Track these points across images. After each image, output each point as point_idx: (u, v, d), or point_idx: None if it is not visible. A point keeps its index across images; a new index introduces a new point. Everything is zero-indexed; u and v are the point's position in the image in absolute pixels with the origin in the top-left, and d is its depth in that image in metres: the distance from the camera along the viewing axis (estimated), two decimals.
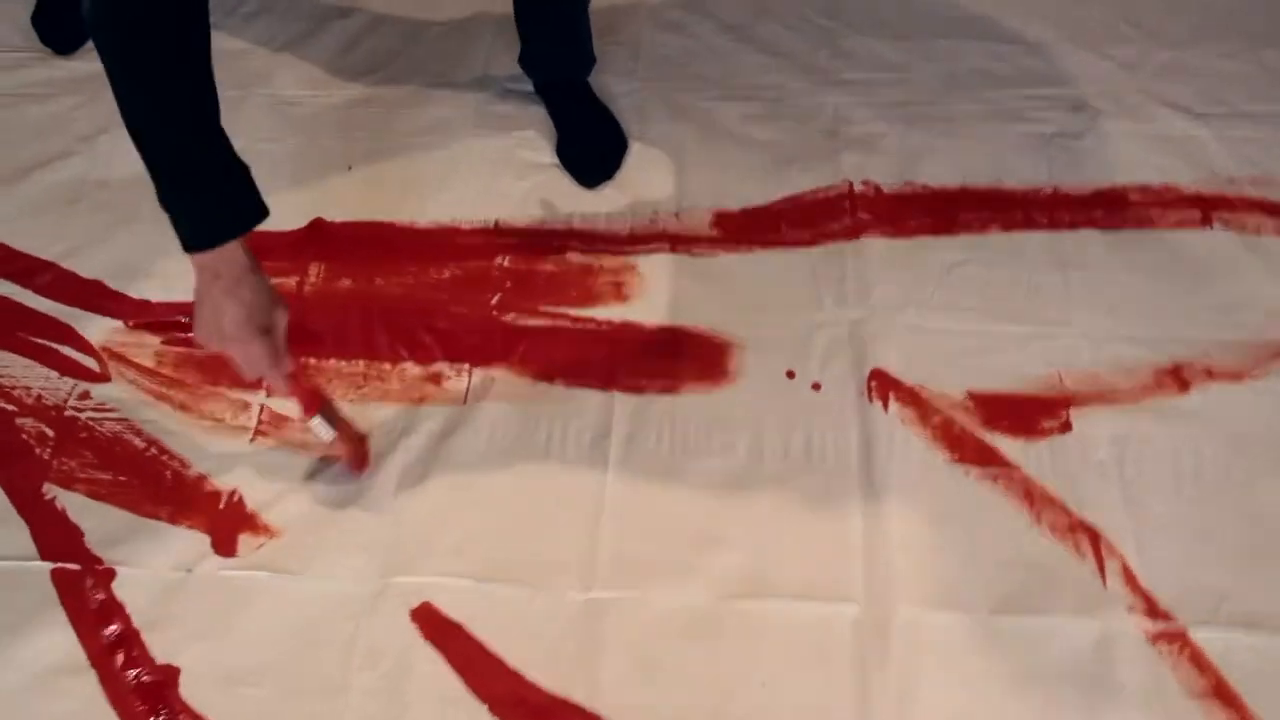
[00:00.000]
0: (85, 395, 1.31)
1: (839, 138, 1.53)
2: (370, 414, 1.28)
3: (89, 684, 1.10)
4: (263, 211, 0.96)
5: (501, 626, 1.13)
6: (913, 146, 1.52)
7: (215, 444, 1.26)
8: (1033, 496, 1.20)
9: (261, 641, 1.12)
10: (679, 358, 1.33)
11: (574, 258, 1.42)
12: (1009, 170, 1.48)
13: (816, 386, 1.30)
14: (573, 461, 1.24)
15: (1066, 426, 1.25)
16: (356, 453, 1.21)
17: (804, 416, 1.27)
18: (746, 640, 1.11)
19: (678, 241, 1.43)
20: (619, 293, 1.39)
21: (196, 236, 0.94)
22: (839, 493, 1.21)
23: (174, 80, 0.90)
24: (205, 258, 0.95)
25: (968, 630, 1.11)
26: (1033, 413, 1.27)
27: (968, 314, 1.35)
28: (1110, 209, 1.43)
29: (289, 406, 1.22)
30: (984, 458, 1.23)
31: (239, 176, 0.96)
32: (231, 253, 0.95)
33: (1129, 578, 1.14)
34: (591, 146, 1.52)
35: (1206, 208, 1.42)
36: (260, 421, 1.28)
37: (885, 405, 1.27)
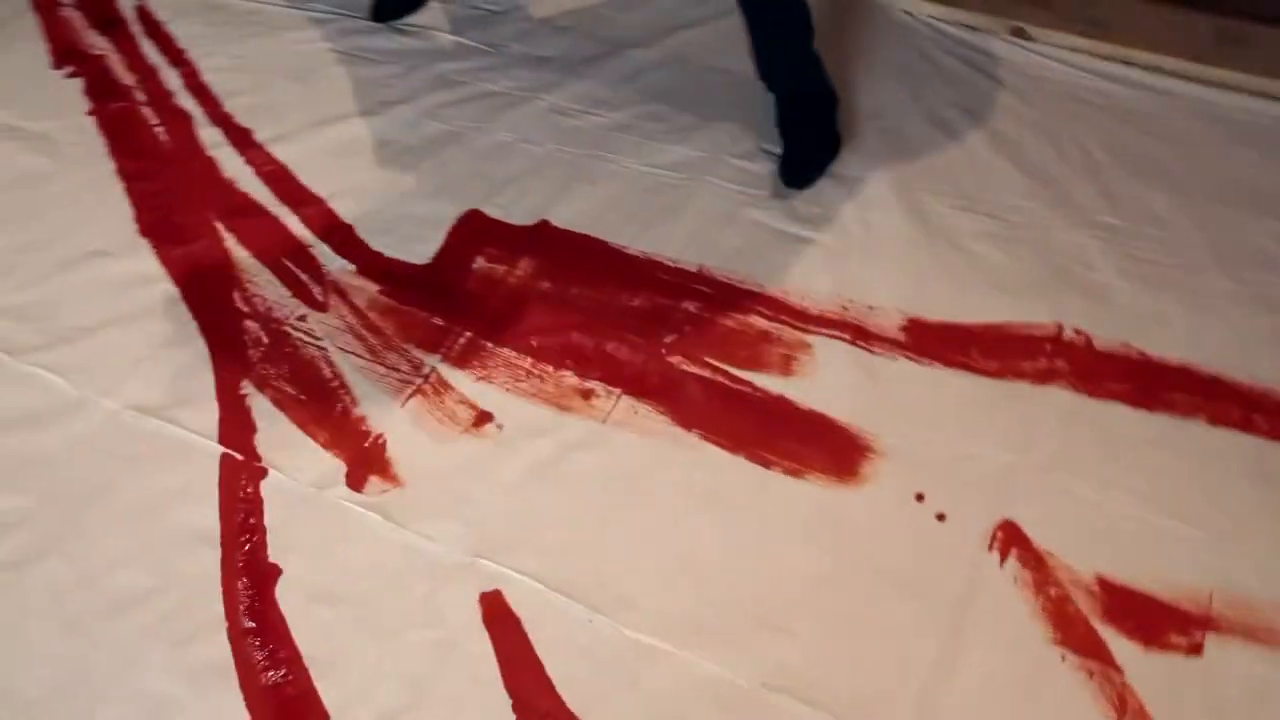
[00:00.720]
0: (303, 318, 1.53)
1: (1069, 278, 1.50)
2: (517, 405, 1.40)
3: (212, 557, 1.29)
4: None
5: (554, 636, 1.21)
6: (1145, 308, 1.46)
7: (382, 391, 1.43)
8: (1125, 708, 1.13)
9: (349, 573, 1.27)
10: (815, 443, 1.36)
11: (756, 321, 1.49)
12: (1246, 362, 1.39)
13: (941, 517, 1.29)
14: (678, 509, 1.30)
15: (1197, 649, 1.17)
16: None
17: (916, 541, 1.27)
18: None
19: (860, 335, 1.46)
20: (786, 366, 1.44)
21: None
22: (921, 628, 1.20)
23: None
24: None
25: None
26: (1164, 621, 1.19)
27: (1131, 495, 1.28)
28: None
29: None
30: (1089, 648, 1.18)
31: None
32: None
33: None
34: (800, 148, 1.66)
35: None
36: (425, 381, 1.44)
37: (1003, 559, 1.24)
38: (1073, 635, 1.19)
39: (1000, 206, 1.60)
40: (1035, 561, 1.24)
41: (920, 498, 1.30)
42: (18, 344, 1.50)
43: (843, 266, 1.54)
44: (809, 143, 1.67)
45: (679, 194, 1.65)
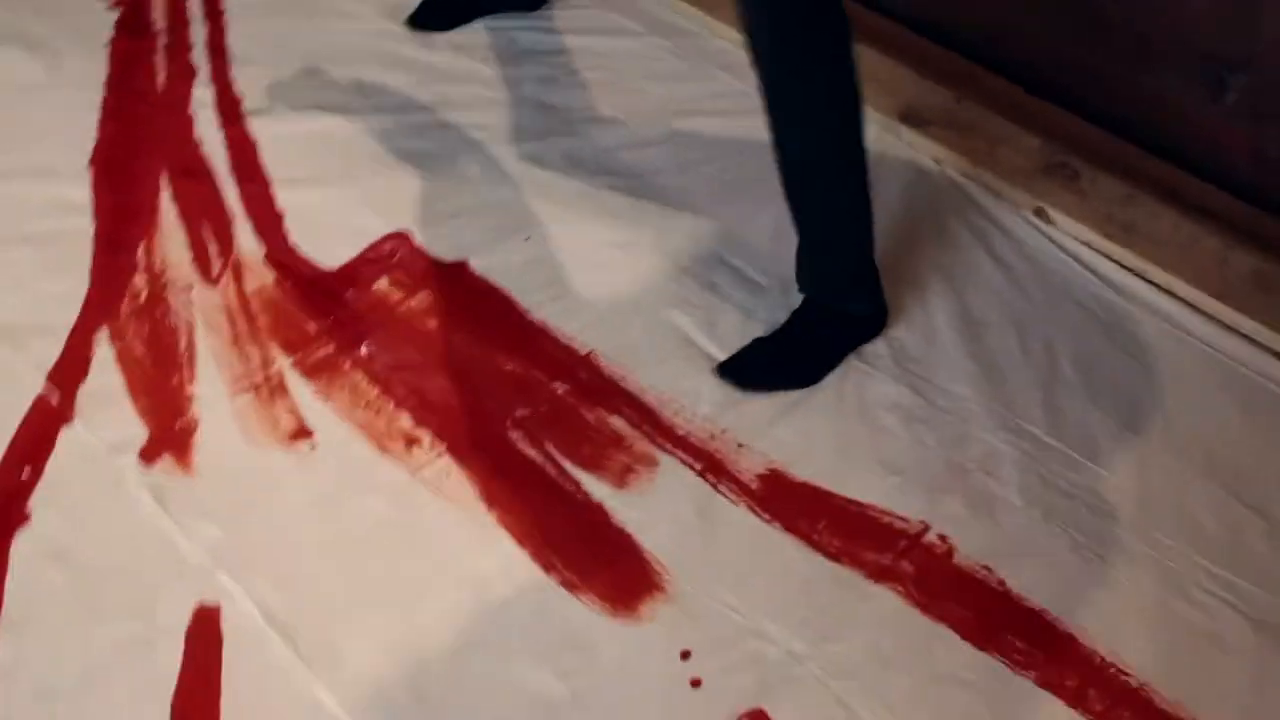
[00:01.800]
0: (189, 288, 1.57)
1: (963, 480, 1.41)
2: (340, 432, 1.40)
3: None
4: None
5: (247, 671, 1.19)
6: (1029, 540, 1.37)
7: (222, 379, 1.45)
8: None
9: (93, 543, 1.28)
10: (608, 564, 1.31)
11: (617, 423, 1.45)
12: (1110, 633, 1.27)
13: (696, 683, 1.22)
14: (437, 586, 1.28)
15: None
16: None
17: (661, 696, 1.20)
18: None
19: (714, 469, 1.40)
20: (622, 477, 1.40)
21: None
22: None
23: None
24: None
25: None
26: None
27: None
28: None
29: None
30: None
31: None
32: None
33: None
34: (768, 356, 1.52)
35: None
36: (265, 381, 1.45)
37: None
38: None
39: (931, 385, 1.52)
40: None
41: (686, 655, 1.23)
42: None
43: (731, 396, 1.48)
44: (796, 353, 1.52)
45: (609, 273, 1.64)
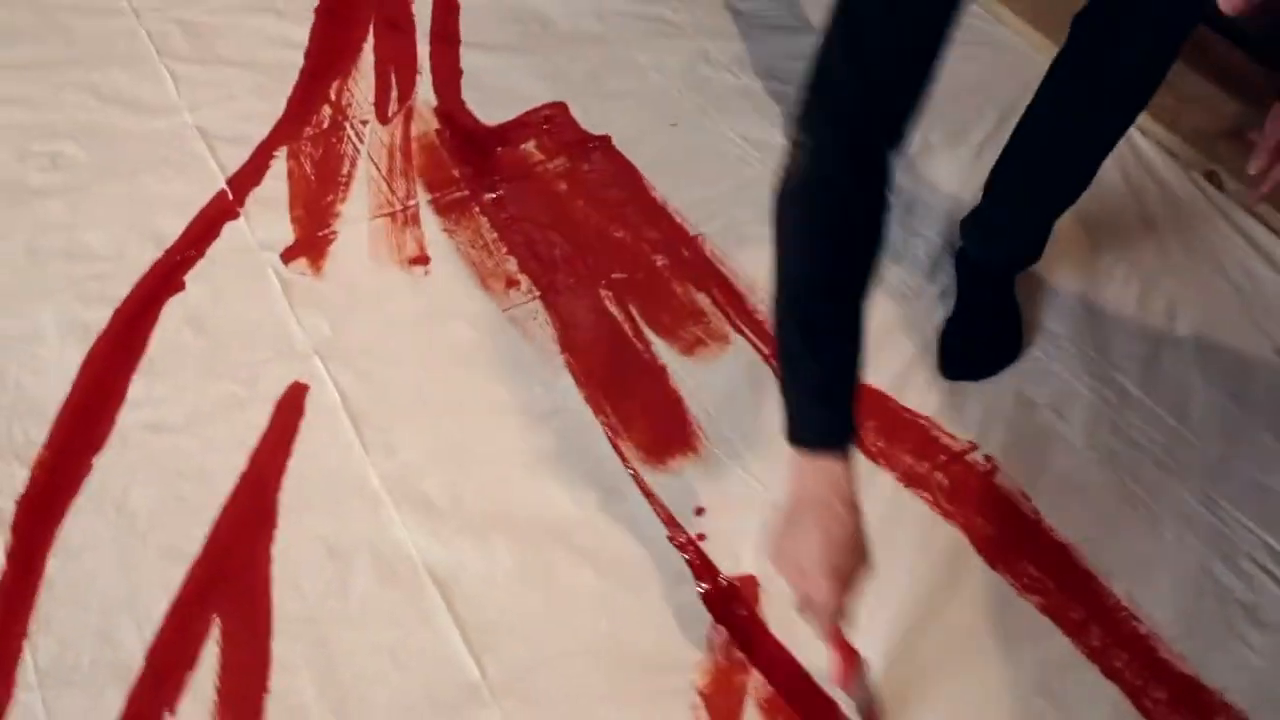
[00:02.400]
0: (365, 122, 1.79)
1: (1028, 413, 1.43)
2: (453, 264, 1.58)
3: (152, 253, 1.59)
4: (850, 435, 1.01)
5: (315, 447, 1.39)
6: (1076, 481, 1.37)
7: (367, 202, 1.66)
8: None
9: (228, 317, 1.52)
10: (655, 422, 1.42)
11: (702, 300, 1.56)
12: (1133, 586, 1.27)
13: (701, 537, 1.32)
14: (506, 411, 1.43)
15: None
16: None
17: (665, 539, 1.31)
18: None
19: None
20: (692, 348, 1.50)
21: (803, 431, 1.01)
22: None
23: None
24: (807, 469, 1.00)
25: None
26: None
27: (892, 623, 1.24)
28: None
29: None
30: None
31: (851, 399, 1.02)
32: (834, 471, 0.99)
33: None
34: (976, 339, 1.50)
35: None
36: (403, 210, 1.65)
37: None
38: None
39: (1027, 320, 1.53)
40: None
41: (700, 511, 1.34)
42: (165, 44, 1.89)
43: None
44: (997, 325, 1.50)
45: (739, 166, 1.73)
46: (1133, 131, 1.75)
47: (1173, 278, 1.59)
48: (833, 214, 0.99)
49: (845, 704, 1.16)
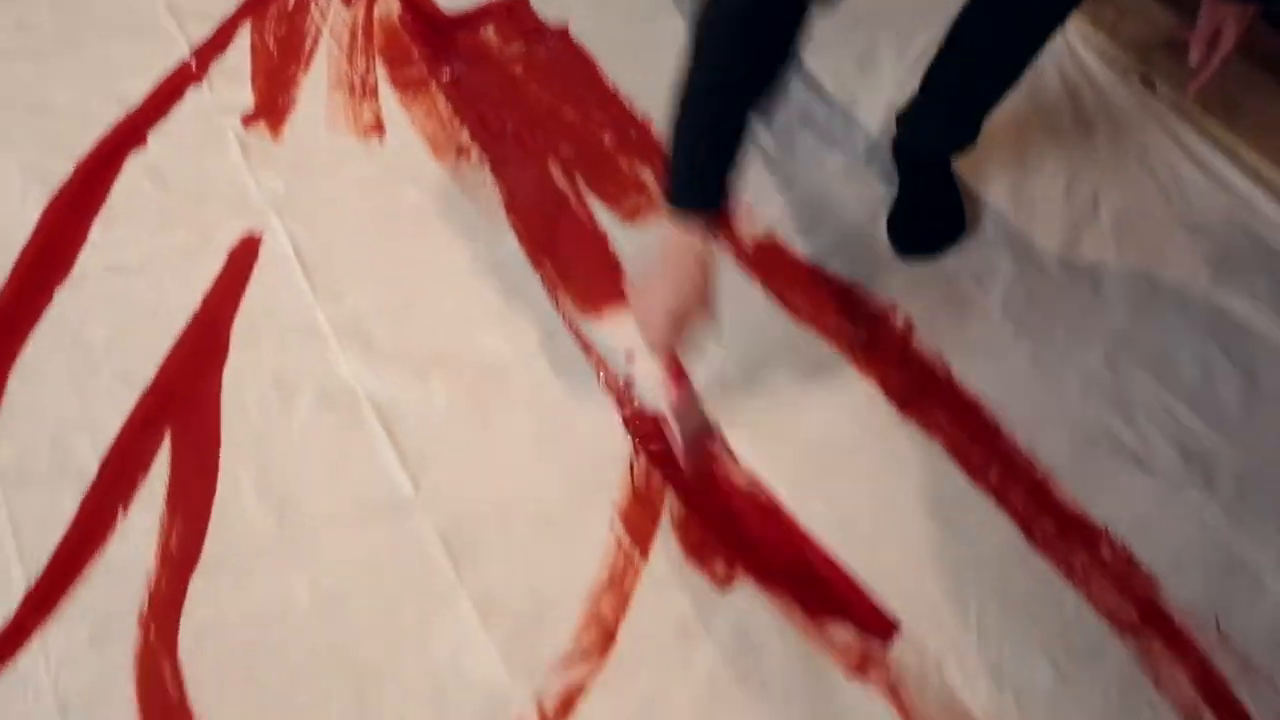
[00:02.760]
0: (329, 3, 1.87)
1: (953, 283, 1.52)
2: (407, 134, 1.67)
3: (116, 111, 1.68)
4: (721, 202, 1.20)
5: (266, 290, 1.48)
6: (988, 343, 1.47)
7: (326, 75, 1.75)
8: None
9: (184, 170, 1.61)
10: (592, 277, 1.51)
11: (645, 174, 1.64)
12: (1034, 437, 1.38)
13: (630, 378, 1.41)
14: (452, 269, 1.52)
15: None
16: (692, 455, 1.33)
17: (592, 377, 1.40)
18: None
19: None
20: (631, 215, 1.59)
21: (676, 196, 1.20)
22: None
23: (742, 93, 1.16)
24: (672, 232, 1.19)
25: None
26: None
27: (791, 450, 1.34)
28: None
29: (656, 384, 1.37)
30: None
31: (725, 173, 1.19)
32: (693, 236, 1.18)
33: None
34: (920, 220, 1.59)
35: None
36: (361, 82, 1.73)
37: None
38: None
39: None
40: None
41: (629, 357, 1.43)
42: None
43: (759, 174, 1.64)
44: (938, 205, 1.60)
45: None
46: (1073, 40, 1.85)
47: (1100, 172, 1.69)
48: (744, 30, 1.10)
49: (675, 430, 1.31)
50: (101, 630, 1.17)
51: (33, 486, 1.27)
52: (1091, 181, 1.67)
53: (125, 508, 1.26)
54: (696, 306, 1.21)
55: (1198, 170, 1.68)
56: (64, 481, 1.28)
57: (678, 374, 1.30)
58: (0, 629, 1.17)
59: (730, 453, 1.33)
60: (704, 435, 1.32)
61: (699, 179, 1.20)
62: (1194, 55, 1.38)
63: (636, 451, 1.34)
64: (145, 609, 1.19)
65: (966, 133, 1.56)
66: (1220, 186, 1.66)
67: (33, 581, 1.20)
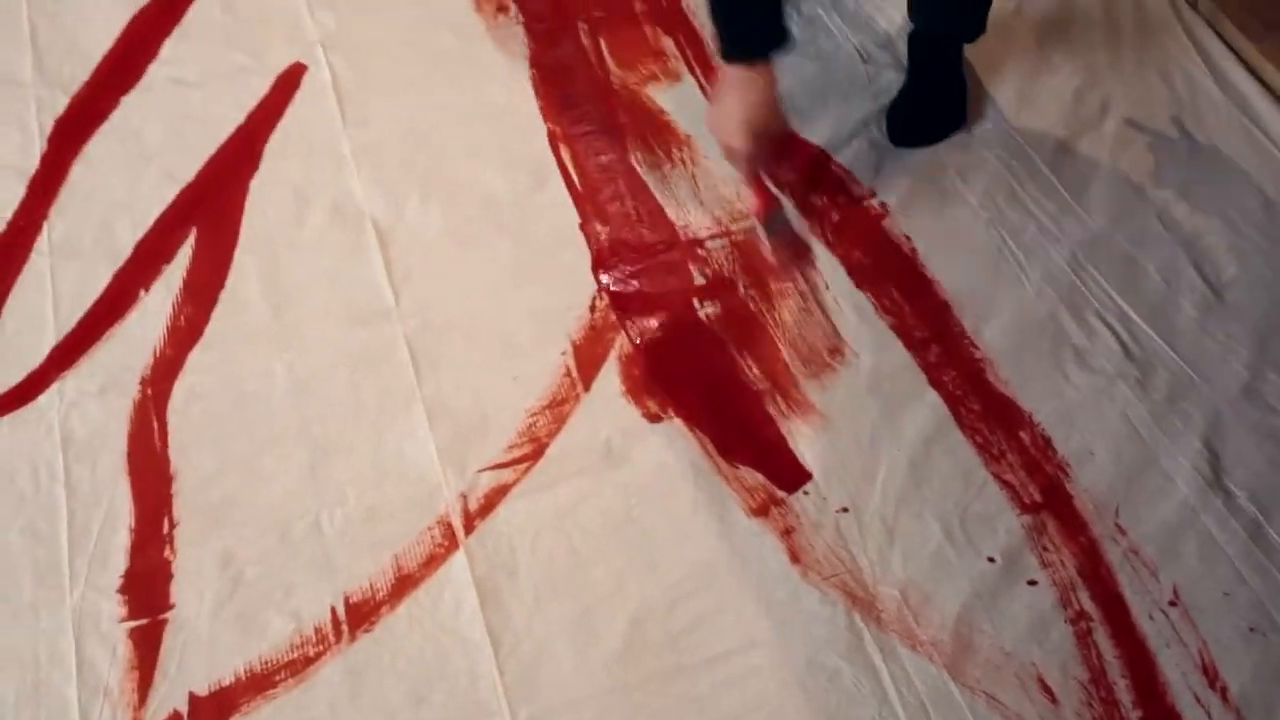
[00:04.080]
0: None
1: (939, 180, 1.52)
2: None
3: None
4: (785, 41, 1.27)
5: (304, 122, 1.57)
6: (953, 236, 1.46)
7: None
8: None
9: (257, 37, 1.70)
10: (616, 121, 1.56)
11: (667, 43, 1.66)
12: (977, 322, 1.38)
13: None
14: (470, 129, 1.59)
15: None
16: (782, 254, 1.44)
17: (559, 245, 1.46)
18: None
19: None
20: (645, 80, 1.62)
21: (729, 50, 1.27)
22: None
23: None
24: (732, 68, 1.27)
25: None
26: None
27: None
28: None
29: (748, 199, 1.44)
30: None
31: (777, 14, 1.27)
32: (754, 69, 1.26)
33: None
34: (921, 109, 1.58)
35: None
36: None
37: None
38: None
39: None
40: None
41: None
42: None
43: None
44: (941, 96, 1.58)
45: None
46: None
47: (1117, 79, 1.64)
48: None
49: (764, 237, 1.43)
50: (109, 384, 1.30)
51: (77, 258, 1.40)
52: (1105, 88, 1.63)
53: (147, 287, 1.38)
54: (769, 119, 1.29)
55: (1217, 87, 1.62)
56: (102, 257, 1.41)
57: (760, 186, 1.39)
58: (27, 374, 1.30)
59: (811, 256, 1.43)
60: (789, 240, 1.42)
61: (748, 31, 1.26)
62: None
63: (599, 293, 1.39)
64: (148, 372, 1.32)
65: (971, 20, 1.52)
66: (1236, 105, 1.60)
67: (60, 339, 1.34)
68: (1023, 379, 1.34)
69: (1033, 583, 1.20)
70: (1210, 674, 1.15)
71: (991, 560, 1.21)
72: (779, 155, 1.44)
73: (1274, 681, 1.14)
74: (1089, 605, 1.19)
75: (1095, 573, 1.21)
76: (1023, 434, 1.30)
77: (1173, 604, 1.19)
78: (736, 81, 1.27)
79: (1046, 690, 1.14)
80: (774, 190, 1.43)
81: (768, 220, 1.42)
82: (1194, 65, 1.65)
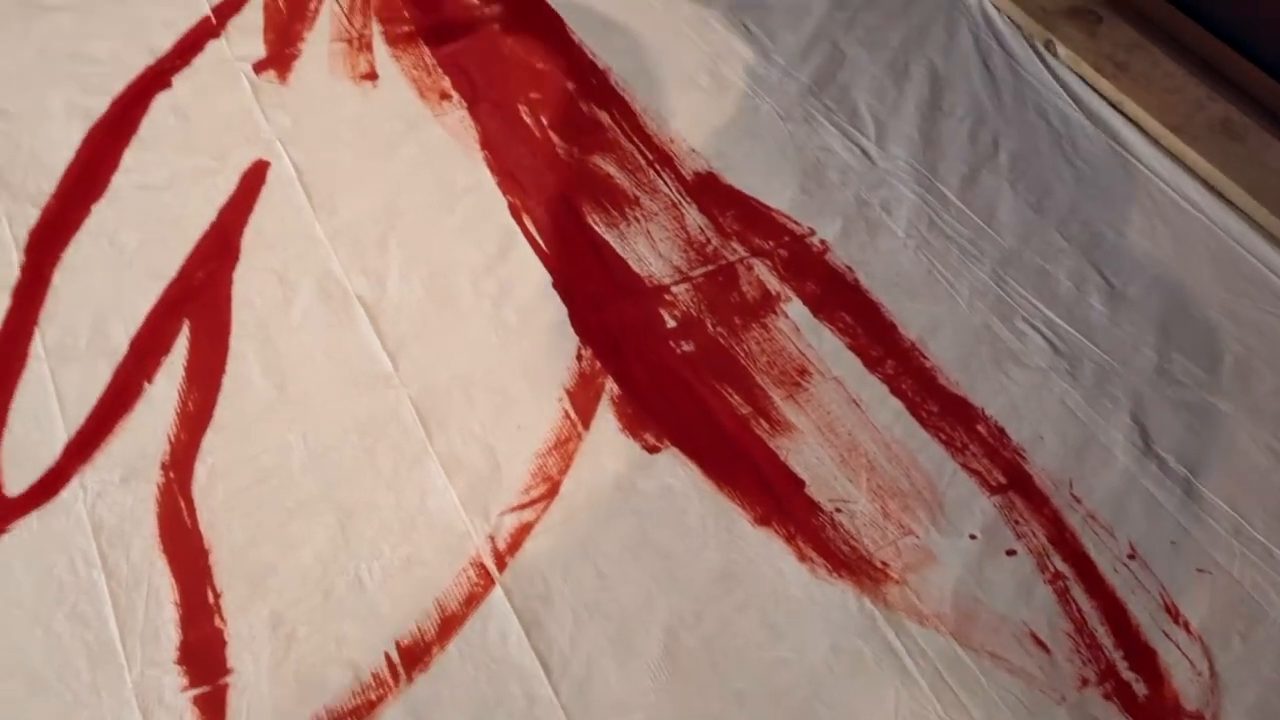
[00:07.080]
0: None
1: (860, 209, 1.69)
2: (399, 82, 1.83)
3: (144, 61, 1.85)
4: None
5: (271, 211, 1.66)
6: (899, 265, 1.63)
7: (330, 29, 1.91)
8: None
9: (206, 110, 1.78)
10: (547, 196, 1.68)
11: (603, 116, 1.81)
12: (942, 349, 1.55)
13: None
14: (441, 198, 1.69)
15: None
16: None
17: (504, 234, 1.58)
18: None
19: (663, 162, 1.75)
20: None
21: None
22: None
23: None
24: None
25: None
26: None
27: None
28: None
29: None
30: None
31: None
32: None
33: None
34: None
35: None
36: (360, 37, 1.90)
37: None
38: None
39: (872, 144, 1.80)
40: None
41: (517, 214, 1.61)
42: None
43: (704, 118, 1.81)
44: None
45: (652, 18, 1.98)
46: (986, 6, 2.02)
47: (1002, 119, 1.86)
48: None
49: None
50: (130, 473, 1.34)
51: (74, 360, 1.44)
52: (994, 127, 1.85)
53: (150, 379, 1.43)
54: None
55: (1086, 119, 1.85)
56: (100, 357, 1.44)
57: None
58: (45, 471, 1.34)
59: None
60: None
61: None
62: None
63: (583, 346, 1.51)
64: (167, 457, 1.36)
65: None
66: (1105, 134, 1.83)
67: (73, 435, 1.38)
68: (971, 381, 1.51)
69: (1011, 553, 1.35)
70: (1173, 612, 1.31)
71: (974, 537, 1.36)
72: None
73: (1226, 612, 1.32)
74: (1062, 566, 1.34)
75: (1062, 538, 1.37)
76: (979, 427, 1.46)
77: (1131, 557, 1.35)
78: None
79: (1040, 644, 1.28)
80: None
81: None
82: (1064, 103, 1.89)
